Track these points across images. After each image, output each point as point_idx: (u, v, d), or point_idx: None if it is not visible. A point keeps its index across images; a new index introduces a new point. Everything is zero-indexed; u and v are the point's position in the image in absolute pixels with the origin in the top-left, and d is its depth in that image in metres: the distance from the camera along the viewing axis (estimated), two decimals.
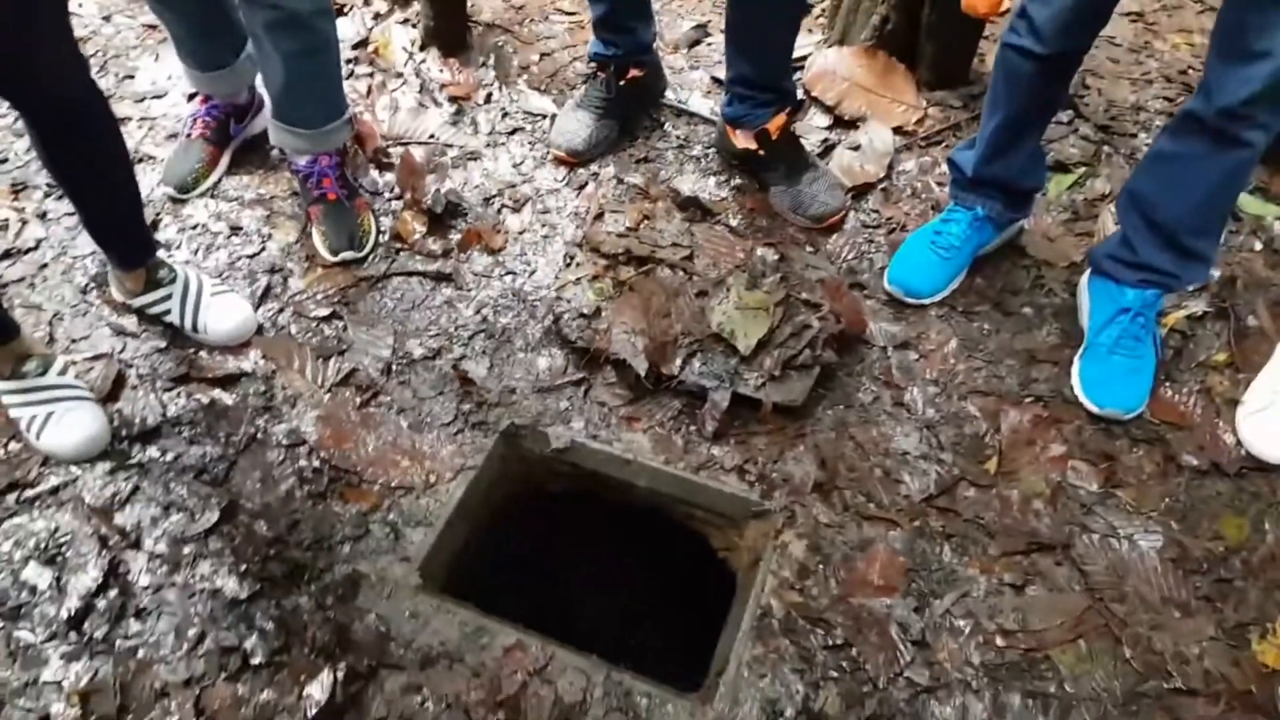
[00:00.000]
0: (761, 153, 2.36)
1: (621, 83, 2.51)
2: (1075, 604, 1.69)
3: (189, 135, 2.44)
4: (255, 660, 1.62)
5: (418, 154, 2.53)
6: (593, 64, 2.54)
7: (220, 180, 2.46)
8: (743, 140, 2.38)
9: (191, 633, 1.65)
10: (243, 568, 1.73)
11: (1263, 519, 1.80)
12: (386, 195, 2.44)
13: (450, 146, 2.58)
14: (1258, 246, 2.29)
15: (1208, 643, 1.64)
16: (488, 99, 2.73)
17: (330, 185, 2.27)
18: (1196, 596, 1.70)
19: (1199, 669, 1.61)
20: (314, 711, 1.55)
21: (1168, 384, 2.01)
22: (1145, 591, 1.71)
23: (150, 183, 2.40)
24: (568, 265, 2.26)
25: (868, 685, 1.60)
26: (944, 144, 2.56)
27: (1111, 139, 2.54)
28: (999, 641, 1.65)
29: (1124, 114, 2.60)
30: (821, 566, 1.75)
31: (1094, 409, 1.94)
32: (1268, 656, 1.61)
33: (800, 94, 2.56)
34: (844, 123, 2.65)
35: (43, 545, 1.76)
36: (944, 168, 2.31)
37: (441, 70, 2.79)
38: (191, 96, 2.50)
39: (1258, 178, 2.43)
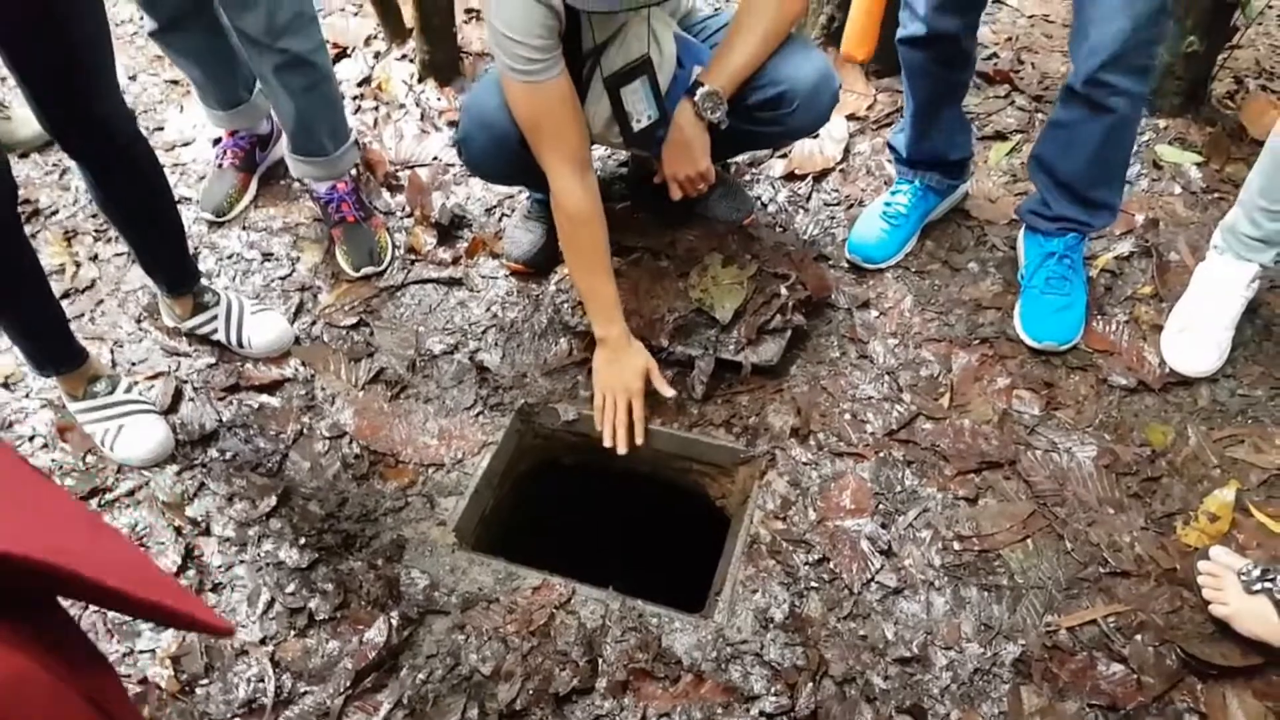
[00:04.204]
0: None
1: None
2: (1022, 510, 1.92)
3: (220, 165, 2.72)
4: (320, 616, 1.85)
5: (423, 174, 2.78)
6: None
7: (252, 203, 2.74)
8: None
9: (262, 599, 1.89)
10: (301, 541, 1.96)
11: (1185, 425, 2.03)
12: (399, 214, 2.69)
13: (452, 165, 2.81)
14: (1177, 190, 2.52)
15: (1138, 532, 1.87)
16: None
17: (348, 209, 2.53)
18: (1128, 495, 1.93)
19: (1131, 554, 1.84)
20: (374, 654, 1.77)
21: (1100, 317, 2.24)
22: (1083, 494, 1.94)
23: (188, 220, 2.65)
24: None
25: (844, 591, 1.83)
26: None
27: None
28: (956, 546, 1.88)
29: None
30: (800, 498, 1.99)
31: (1032, 343, 2.17)
32: (1190, 538, 1.84)
33: None
34: None
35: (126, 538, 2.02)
36: None
37: (439, 99, 3.03)
38: (216, 142, 2.78)
39: (1175, 129, 2.66)
